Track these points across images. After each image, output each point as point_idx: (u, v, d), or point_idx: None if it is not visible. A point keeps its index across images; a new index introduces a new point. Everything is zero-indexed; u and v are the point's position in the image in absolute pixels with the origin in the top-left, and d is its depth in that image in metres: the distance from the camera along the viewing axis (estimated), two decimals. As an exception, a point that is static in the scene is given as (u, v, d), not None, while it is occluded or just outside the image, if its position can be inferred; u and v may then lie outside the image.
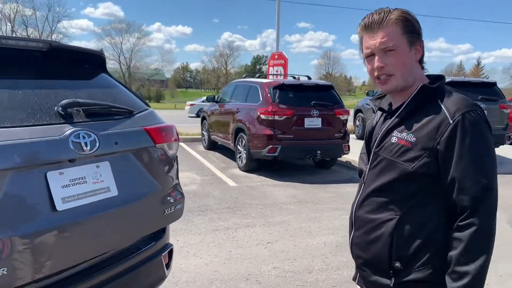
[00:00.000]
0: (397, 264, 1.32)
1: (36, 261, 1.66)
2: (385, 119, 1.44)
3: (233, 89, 9.61)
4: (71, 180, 1.83)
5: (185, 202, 5.81)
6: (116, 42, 63.62)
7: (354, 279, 1.54)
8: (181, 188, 2.59)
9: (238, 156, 8.37)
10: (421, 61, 1.38)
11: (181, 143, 11.50)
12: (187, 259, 3.97)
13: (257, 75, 10.77)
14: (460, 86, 9.03)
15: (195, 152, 10.23)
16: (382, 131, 1.40)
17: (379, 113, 1.51)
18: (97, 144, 1.93)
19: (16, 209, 1.63)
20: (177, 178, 2.55)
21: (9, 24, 51.18)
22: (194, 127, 13.10)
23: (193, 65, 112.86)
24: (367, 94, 12.71)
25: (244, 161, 8.08)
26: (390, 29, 1.31)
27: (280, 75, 12.92)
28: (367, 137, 1.49)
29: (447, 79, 9.74)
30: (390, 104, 1.47)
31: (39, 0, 63.29)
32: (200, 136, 11.39)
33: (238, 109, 8.55)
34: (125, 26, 64.74)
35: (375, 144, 1.41)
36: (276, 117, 7.46)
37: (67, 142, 1.82)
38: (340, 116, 7.86)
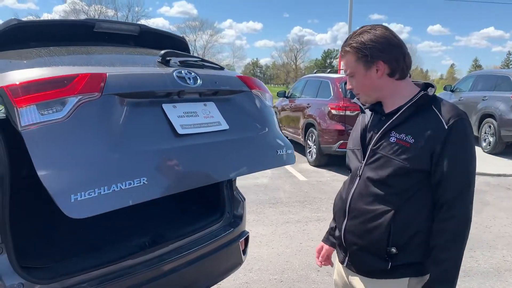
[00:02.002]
0: (393, 250, 1.49)
1: (169, 175, 1.81)
2: (379, 120, 1.59)
3: (304, 85, 9.67)
4: (184, 113, 2.02)
5: (256, 195, 6.02)
6: (190, 40, 66.05)
7: (342, 262, 1.69)
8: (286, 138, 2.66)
9: (308, 151, 8.44)
10: (392, 74, 1.52)
11: (251, 138, 11.77)
12: (260, 248, 4.15)
13: (328, 70, 10.72)
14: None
15: (265, 147, 10.43)
16: (381, 131, 1.55)
17: (369, 112, 1.66)
18: (199, 80, 2.12)
19: (146, 131, 1.83)
20: (280, 129, 2.63)
21: (94, 25, 55.11)
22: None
23: (263, 61, 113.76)
24: (445, 89, 12.01)
25: (314, 156, 8.13)
26: (347, 58, 1.55)
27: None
28: (361, 135, 1.64)
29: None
30: (380, 104, 1.61)
31: (120, 1, 67.47)
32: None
33: (308, 104, 8.60)
34: (198, 23, 67.10)
35: (373, 142, 1.56)
36: (348, 112, 7.42)
37: (172, 76, 2.03)
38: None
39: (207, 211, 2.71)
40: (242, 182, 2.88)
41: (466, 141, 1.46)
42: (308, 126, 8.38)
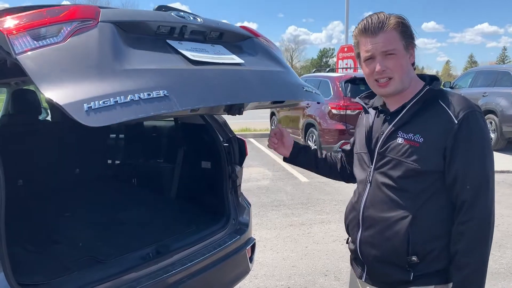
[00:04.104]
0: (414, 258, 1.40)
1: (190, 90, 1.70)
2: (384, 119, 1.50)
3: (303, 84, 9.58)
4: (192, 48, 1.90)
5: (258, 197, 5.92)
6: (185, 41, 65.95)
7: (359, 277, 1.58)
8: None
9: (308, 151, 8.34)
10: (413, 64, 1.46)
11: (250, 139, 11.68)
12: (264, 253, 4.05)
13: (327, 69, 10.65)
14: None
15: (264, 148, 10.34)
16: (386, 132, 1.46)
17: (372, 112, 1.57)
18: (199, 19, 1.99)
19: (157, 56, 1.74)
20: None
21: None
22: (262, 123, 13.26)
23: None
24: (444, 86, 11.98)
25: (315, 156, 8.04)
26: (390, 34, 1.39)
27: (350, 68, 12.66)
28: (366, 137, 1.54)
29: None
30: (384, 104, 1.53)
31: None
32: (269, 132, 11.48)
33: (308, 104, 8.51)
34: (193, 25, 66.89)
35: (379, 145, 1.47)
36: (348, 112, 7.34)
37: (170, 14, 1.92)
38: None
39: (212, 218, 2.61)
40: (243, 185, 2.80)
41: (479, 134, 1.36)
42: (308, 126, 8.30)
